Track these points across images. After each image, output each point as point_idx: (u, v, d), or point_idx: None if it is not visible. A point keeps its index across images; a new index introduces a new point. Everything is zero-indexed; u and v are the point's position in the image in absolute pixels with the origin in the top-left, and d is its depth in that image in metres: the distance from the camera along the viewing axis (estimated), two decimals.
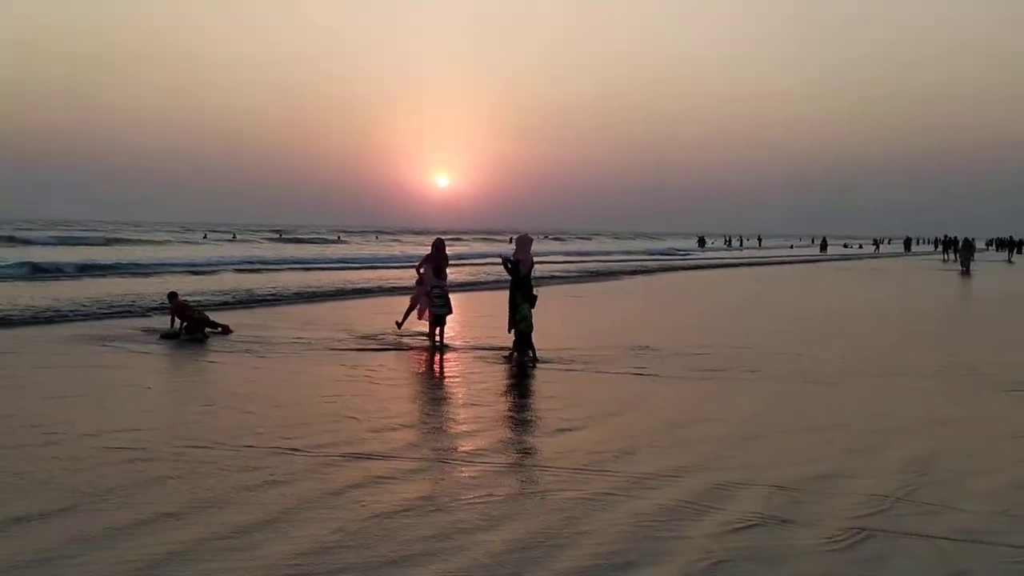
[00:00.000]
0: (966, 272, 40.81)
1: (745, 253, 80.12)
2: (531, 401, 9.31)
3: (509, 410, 8.65)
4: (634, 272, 39.14)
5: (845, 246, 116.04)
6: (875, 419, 8.21)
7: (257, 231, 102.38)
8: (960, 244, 46.67)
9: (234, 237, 79.50)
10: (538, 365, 11.29)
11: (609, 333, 14.83)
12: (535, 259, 13.65)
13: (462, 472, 6.28)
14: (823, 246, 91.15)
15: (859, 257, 71.44)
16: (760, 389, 9.68)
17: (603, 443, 7.10)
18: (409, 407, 8.85)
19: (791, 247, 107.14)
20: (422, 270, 14.49)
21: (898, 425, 7.99)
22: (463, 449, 6.95)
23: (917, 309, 22.20)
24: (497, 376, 10.61)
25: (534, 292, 12.89)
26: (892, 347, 13.61)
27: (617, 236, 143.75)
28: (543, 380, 10.39)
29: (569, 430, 7.63)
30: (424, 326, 13.59)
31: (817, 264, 54.70)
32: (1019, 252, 76.77)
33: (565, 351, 12.40)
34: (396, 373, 10.86)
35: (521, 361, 11.63)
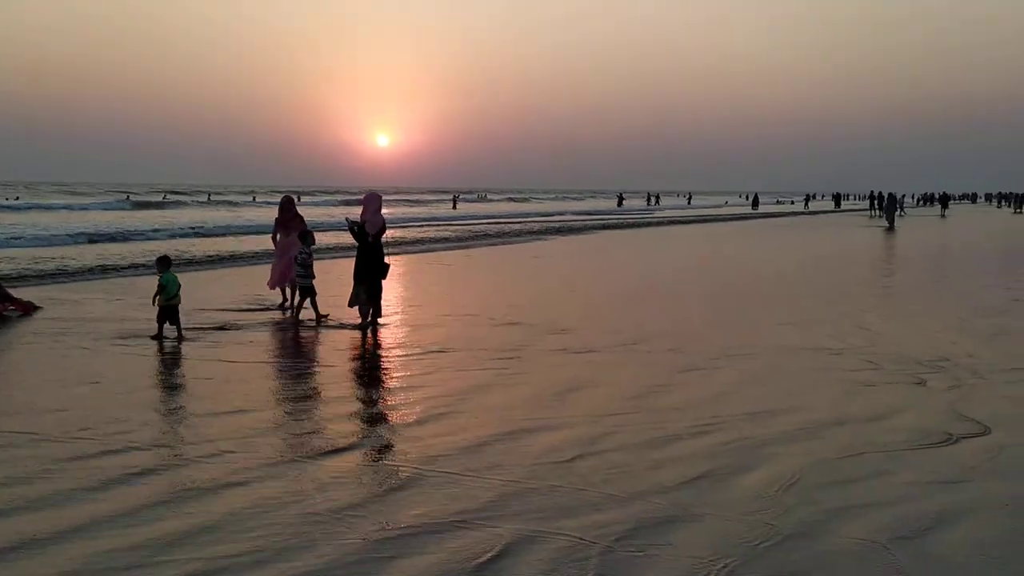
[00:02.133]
0: (891, 228, 40.41)
1: (669, 212, 79.05)
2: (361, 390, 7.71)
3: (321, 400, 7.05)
4: (533, 233, 37.48)
5: (777, 202, 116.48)
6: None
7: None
8: (885, 200, 46.30)
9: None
10: (390, 349, 9.74)
11: (471, 306, 13.27)
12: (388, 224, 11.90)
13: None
14: (755, 203, 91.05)
15: (790, 214, 71.18)
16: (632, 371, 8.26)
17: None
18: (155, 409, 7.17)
19: (725, 203, 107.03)
20: (278, 237, 12.74)
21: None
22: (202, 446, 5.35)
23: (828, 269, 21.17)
24: (337, 357, 9.01)
25: (385, 260, 11.26)
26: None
27: (550, 196, 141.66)
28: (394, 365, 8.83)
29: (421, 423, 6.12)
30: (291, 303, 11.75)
31: (745, 222, 53.97)
32: (945, 207, 77.48)
33: (426, 327, 10.85)
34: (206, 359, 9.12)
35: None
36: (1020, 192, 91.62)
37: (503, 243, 30.61)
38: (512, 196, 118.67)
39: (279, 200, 13.53)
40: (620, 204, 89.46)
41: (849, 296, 14.64)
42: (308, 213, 19.70)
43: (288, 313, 11.95)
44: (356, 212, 11.66)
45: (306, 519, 4.57)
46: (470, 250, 26.70)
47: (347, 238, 11.61)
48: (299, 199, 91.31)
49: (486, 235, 34.74)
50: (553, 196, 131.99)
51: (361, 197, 11.84)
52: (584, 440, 6.01)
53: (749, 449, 5.84)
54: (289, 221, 12.71)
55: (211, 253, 23.04)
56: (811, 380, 8.08)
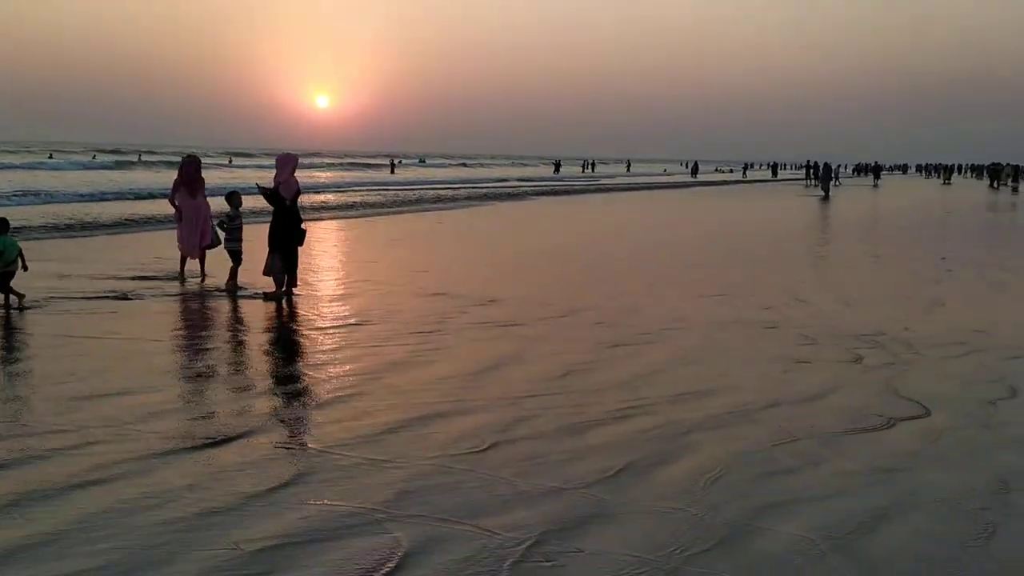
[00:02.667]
0: (826, 197, 40.76)
1: (608, 180, 78.83)
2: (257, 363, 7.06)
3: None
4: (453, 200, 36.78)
5: (717, 170, 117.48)
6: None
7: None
8: (821, 170, 46.70)
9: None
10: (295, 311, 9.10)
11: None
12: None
13: None
14: (694, 170, 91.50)
15: (730, 182, 71.64)
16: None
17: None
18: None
19: (664, 171, 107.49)
20: (177, 201, 11.86)
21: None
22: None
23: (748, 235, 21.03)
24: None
25: (302, 226, 10.55)
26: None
27: (505, 163, 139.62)
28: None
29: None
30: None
31: (685, 189, 54.04)
32: (877, 177, 78.86)
33: (345, 297, 10.23)
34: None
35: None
36: (948, 163, 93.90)
37: (440, 208, 29.87)
38: (465, 162, 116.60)
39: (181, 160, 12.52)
40: (557, 171, 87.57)
41: (785, 266, 14.41)
42: (237, 175, 18.57)
43: (204, 280, 11.24)
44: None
45: (170, 525, 3.96)
46: (402, 216, 25.96)
47: (262, 203, 10.80)
48: (231, 160, 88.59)
49: (420, 200, 33.90)
50: (509, 162, 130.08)
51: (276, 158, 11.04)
52: (499, 426, 5.50)
53: (675, 436, 5.39)
54: (195, 182, 11.85)
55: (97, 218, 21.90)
56: (744, 357, 7.69)
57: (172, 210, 12.18)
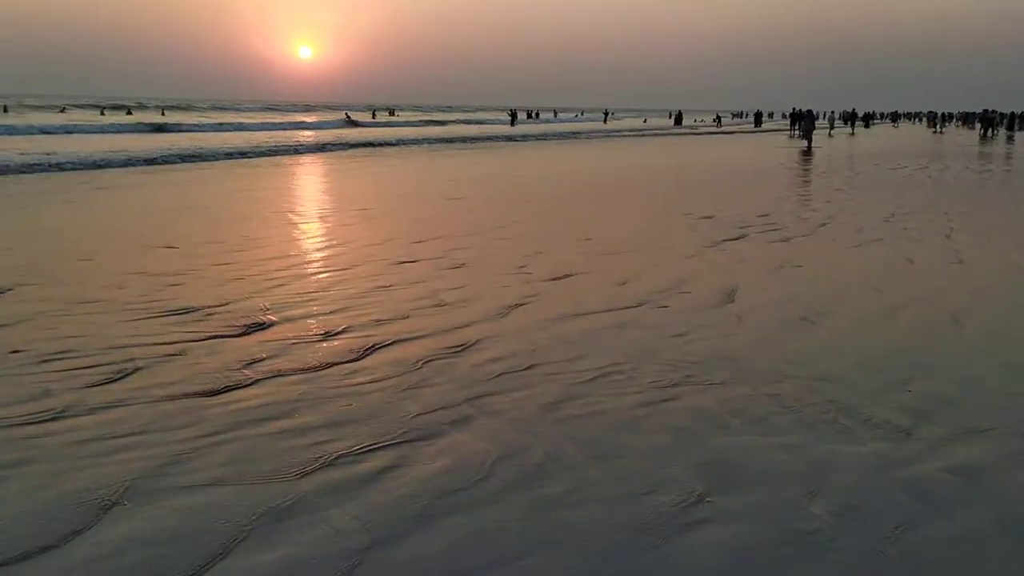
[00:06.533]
0: (808, 150, 38.34)
1: (579, 126, 75.85)
2: None
3: None
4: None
5: (696, 121, 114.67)
6: None
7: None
8: (803, 119, 44.19)
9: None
10: None
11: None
12: None
13: None
14: (677, 119, 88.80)
15: (715, 132, 69.03)
16: None
17: None
18: None
19: (644, 121, 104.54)
20: None
21: None
22: None
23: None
24: None
25: None
26: None
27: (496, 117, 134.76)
28: None
29: None
30: None
31: (666, 137, 51.46)
32: (867, 126, 76.41)
33: None
34: None
35: None
36: (941, 111, 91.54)
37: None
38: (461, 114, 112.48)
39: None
40: (513, 123, 74.75)
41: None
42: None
43: None
44: None
45: None
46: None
47: None
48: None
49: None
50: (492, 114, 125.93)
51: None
52: None
53: None
54: None
55: None
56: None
57: None
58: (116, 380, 5.54)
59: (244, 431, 4.77)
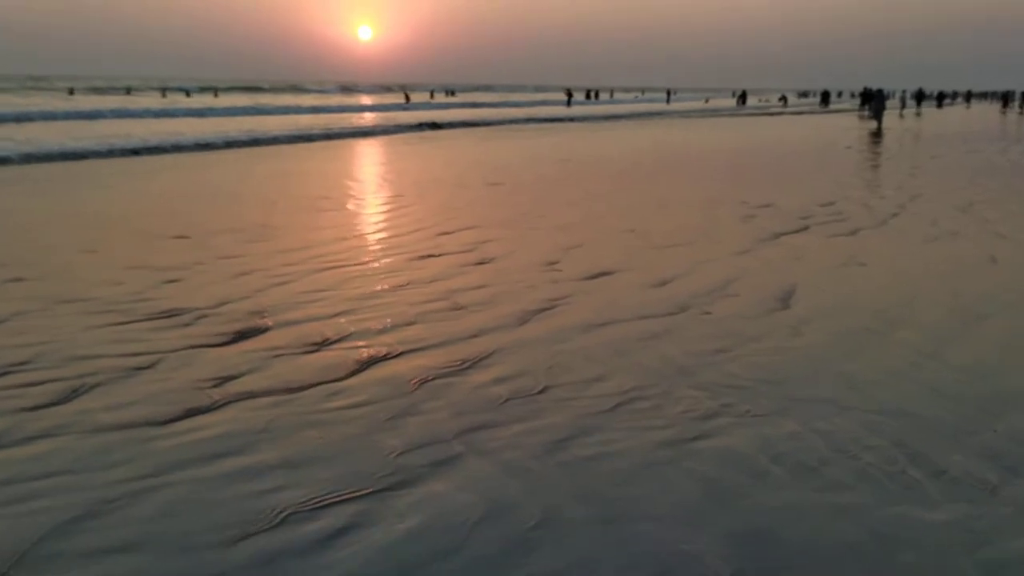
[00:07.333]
0: (879, 131, 36.48)
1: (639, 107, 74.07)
2: None
3: None
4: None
5: (770, 100, 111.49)
6: None
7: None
8: (874, 99, 42.13)
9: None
10: None
11: None
12: None
13: None
14: (742, 99, 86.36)
15: (780, 112, 66.79)
16: None
17: None
18: None
19: (706, 101, 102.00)
20: None
21: None
22: None
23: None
24: None
25: None
26: None
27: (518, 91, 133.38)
28: None
29: None
30: None
31: (729, 118, 49.80)
32: (939, 106, 73.30)
33: None
34: None
35: None
36: (1020, 91, 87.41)
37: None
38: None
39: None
40: (569, 104, 77.38)
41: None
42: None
43: None
44: None
45: None
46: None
47: None
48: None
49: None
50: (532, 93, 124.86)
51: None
52: None
53: None
54: None
55: None
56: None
57: None
58: (62, 402, 4.85)
59: (186, 472, 4.02)
